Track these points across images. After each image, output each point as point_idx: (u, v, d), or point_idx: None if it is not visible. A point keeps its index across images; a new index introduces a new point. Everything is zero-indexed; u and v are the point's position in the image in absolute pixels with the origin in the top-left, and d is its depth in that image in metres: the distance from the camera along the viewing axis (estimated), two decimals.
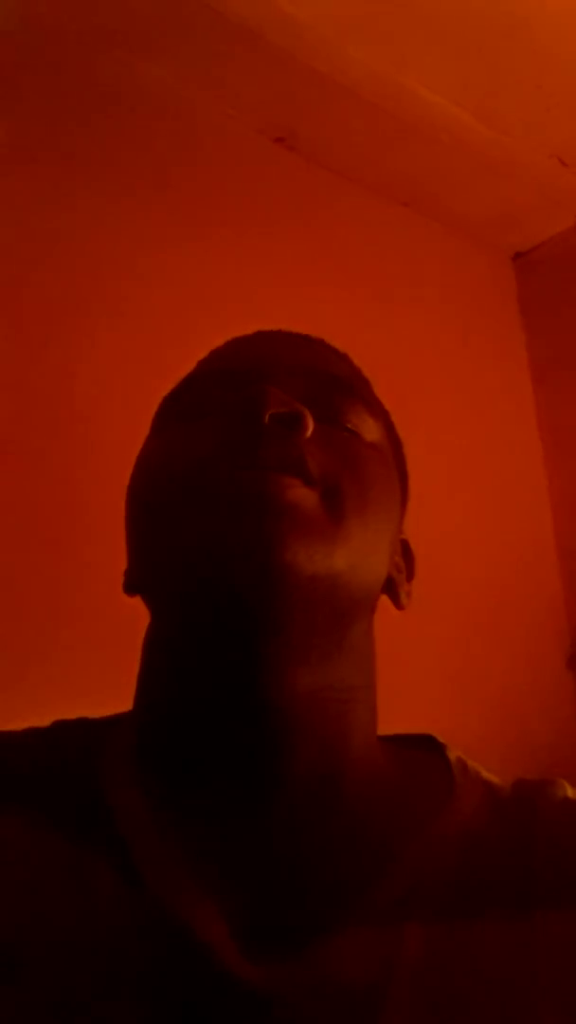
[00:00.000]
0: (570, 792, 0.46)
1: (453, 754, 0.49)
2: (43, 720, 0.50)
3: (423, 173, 1.57)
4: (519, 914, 0.40)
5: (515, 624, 1.53)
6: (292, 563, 0.39)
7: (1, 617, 0.98)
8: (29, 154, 1.18)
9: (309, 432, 0.43)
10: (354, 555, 0.42)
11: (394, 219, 1.64)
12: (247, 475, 0.41)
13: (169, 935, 0.37)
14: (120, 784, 0.44)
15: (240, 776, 0.42)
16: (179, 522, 0.42)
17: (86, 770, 0.45)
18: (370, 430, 0.49)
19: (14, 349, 1.08)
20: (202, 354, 0.53)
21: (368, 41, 1.27)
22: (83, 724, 0.49)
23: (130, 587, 0.49)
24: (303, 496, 0.41)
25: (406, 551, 0.54)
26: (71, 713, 0.50)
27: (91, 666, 0.97)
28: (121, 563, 0.50)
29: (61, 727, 0.49)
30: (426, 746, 0.50)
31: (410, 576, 0.53)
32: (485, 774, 0.48)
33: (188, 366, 0.53)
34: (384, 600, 0.50)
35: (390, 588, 0.50)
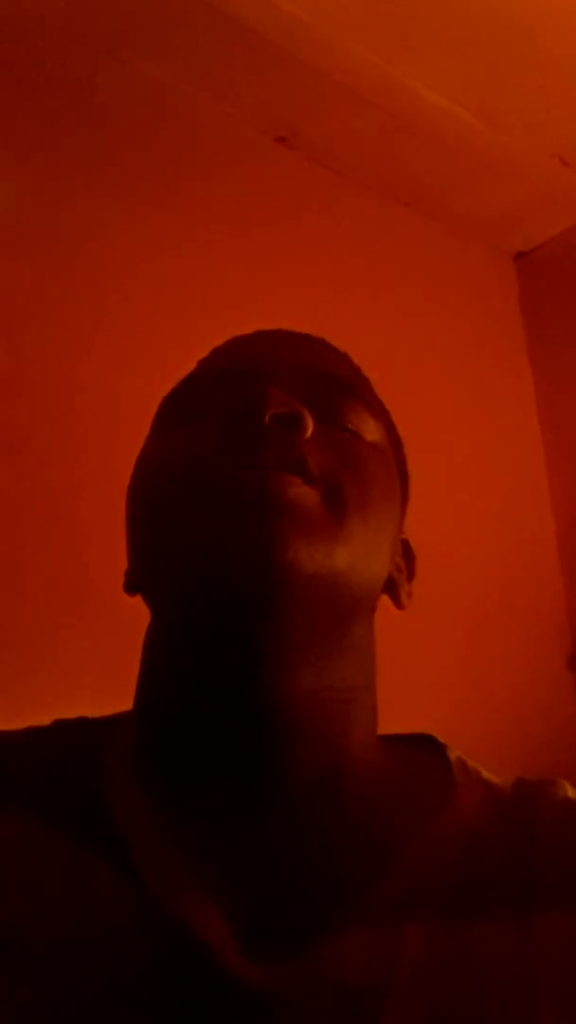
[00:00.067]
0: (570, 792, 0.46)
1: (453, 754, 0.49)
2: (43, 720, 0.50)
3: (424, 173, 1.57)
4: (519, 914, 0.40)
5: (515, 624, 1.53)
6: (293, 561, 0.39)
7: (1, 617, 0.98)
8: (29, 154, 1.18)
9: (309, 432, 0.43)
10: (355, 554, 0.42)
11: (395, 219, 1.64)
12: (247, 475, 0.41)
13: (169, 935, 0.37)
14: (120, 784, 0.44)
15: (240, 776, 0.42)
16: (179, 522, 0.42)
17: (86, 770, 0.45)
18: (370, 430, 0.49)
19: (14, 349, 1.08)
20: (202, 354, 0.53)
21: (370, 40, 1.27)
22: (83, 724, 0.49)
23: (130, 587, 0.49)
24: (304, 495, 0.41)
25: (407, 551, 0.54)
26: (71, 713, 0.50)
27: (91, 666, 0.97)
28: (121, 563, 0.50)
29: (61, 727, 0.49)
30: (426, 746, 0.50)
31: (411, 576, 0.53)
32: (485, 774, 0.48)
33: (188, 366, 0.53)
34: (384, 600, 0.50)
35: (391, 588, 0.50)
